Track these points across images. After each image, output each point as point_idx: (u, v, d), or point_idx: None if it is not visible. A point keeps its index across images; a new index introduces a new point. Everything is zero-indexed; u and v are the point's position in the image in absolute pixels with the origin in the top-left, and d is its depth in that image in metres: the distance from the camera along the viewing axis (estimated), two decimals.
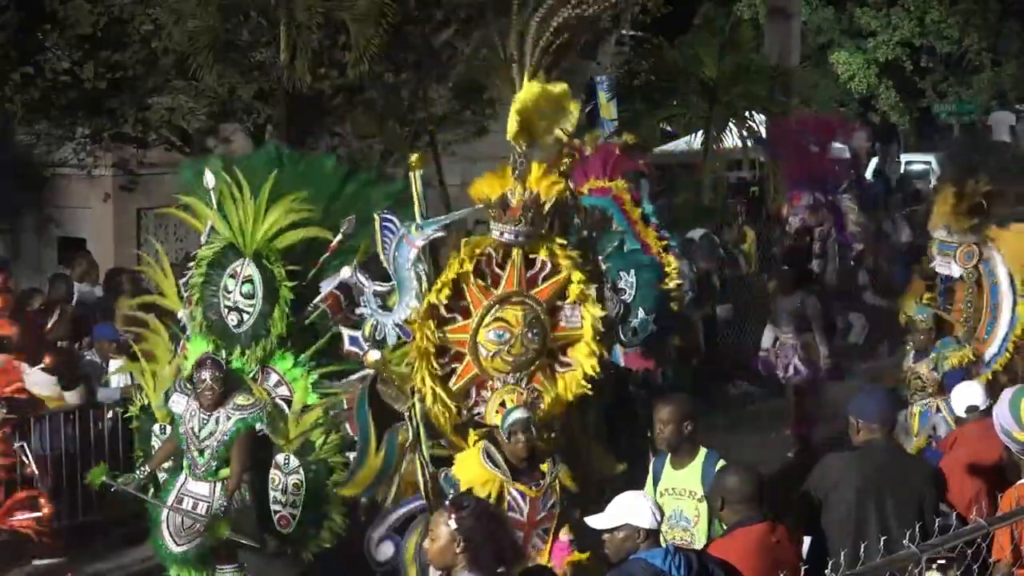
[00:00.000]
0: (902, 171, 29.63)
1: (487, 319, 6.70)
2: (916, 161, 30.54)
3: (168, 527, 7.93)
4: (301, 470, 7.82)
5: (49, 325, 10.41)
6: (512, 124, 6.51)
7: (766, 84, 20.36)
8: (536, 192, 6.60)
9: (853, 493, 6.29)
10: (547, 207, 6.66)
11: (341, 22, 13.60)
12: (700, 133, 20.41)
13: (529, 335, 6.70)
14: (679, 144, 23.69)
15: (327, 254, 7.94)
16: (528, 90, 6.53)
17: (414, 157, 6.97)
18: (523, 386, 6.69)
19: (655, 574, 5.18)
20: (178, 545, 7.92)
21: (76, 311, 11.52)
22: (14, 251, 17.28)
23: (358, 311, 7.21)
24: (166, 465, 8.20)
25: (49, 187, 17.11)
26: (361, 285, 7.18)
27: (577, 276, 6.74)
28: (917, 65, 32.86)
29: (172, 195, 8.88)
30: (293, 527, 7.88)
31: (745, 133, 19.98)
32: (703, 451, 6.59)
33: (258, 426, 7.82)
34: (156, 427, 8.30)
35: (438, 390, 6.71)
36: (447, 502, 5.14)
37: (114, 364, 10.59)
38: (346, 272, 7.65)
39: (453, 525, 4.80)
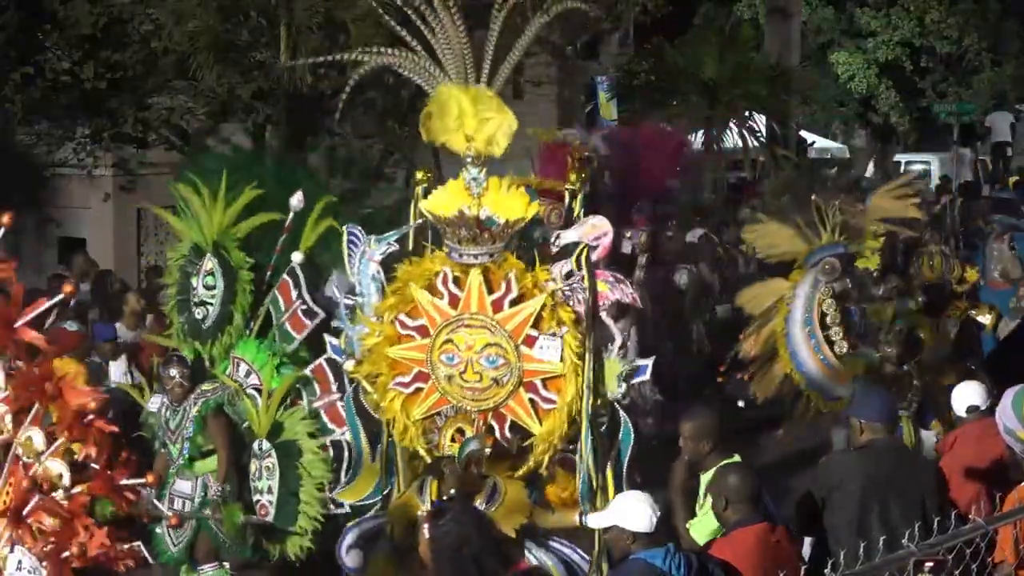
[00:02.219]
0: (901, 171, 29.65)
1: (439, 340, 6.42)
2: (916, 161, 30.55)
3: (167, 529, 8.11)
4: (273, 451, 7.90)
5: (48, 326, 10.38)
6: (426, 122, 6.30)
7: (766, 84, 20.39)
8: (496, 212, 6.28)
9: (858, 492, 6.29)
10: (511, 228, 6.32)
11: (341, 22, 13.59)
12: (700, 133, 20.43)
13: (482, 361, 6.35)
14: None
15: (284, 235, 8.16)
16: (449, 90, 6.27)
17: (419, 174, 6.82)
18: (474, 415, 6.37)
19: (655, 574, 5.18)
20: (174, 545, 8.11)
21: (76, 312, 11.49)
22: (14, 251, 17.28)
23: (334, 323, 7.22)
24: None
25: (49, 187, 17.10)
26: (336, 298, 7.16)
27: (550, 303, 6.27)
28: (917, 65, 32.86)
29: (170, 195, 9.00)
30: (272, 513, 7.89)
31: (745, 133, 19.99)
32: (721, 464, 6.42)
33: (226, 410, 7.99)
34: (156, 444, 8.41)
35: (397, 407, 6.53)
36: (428, 510, 5.19)
37: (114, 366, 10.59)
38: (297, 257, 8.02)
39: (426, 534, 4.90)
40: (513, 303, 6.33)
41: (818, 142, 30.12)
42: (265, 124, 15.11)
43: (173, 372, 8.01)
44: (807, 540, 6.59)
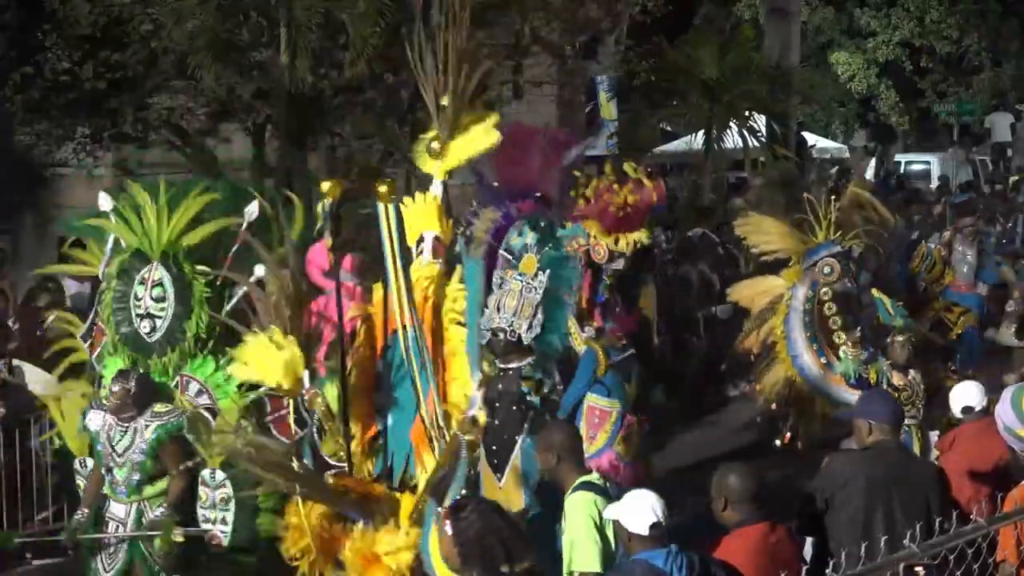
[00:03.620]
0: (901, 171, 29.70)
1: None
2: (916, 161, 30.60)
3: (100, 554, 7.64)
4: (228, 482, 7.38)
5: (48, 324, 10.40)
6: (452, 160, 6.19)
7: (766, 84, 20.39)
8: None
9: (861, 493, 6.28)
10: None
11: (341, 22, 13.61)
12: (700, 133, 20.44)
13: None
14: (679, 144, 23.72)
15: (236, 245, 7.66)
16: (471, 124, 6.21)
17: (325, 186, 6.40)
18: None
19: (656, 574, 5.18)
20: (107, 571, 7.60)
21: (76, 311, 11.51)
22: (14, 251, 17.29)
23: None
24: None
25: (49, 187, 17.11)
26: None
27: None
28: (917, 65, 32.90)
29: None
30: (226, 544, 7.44)
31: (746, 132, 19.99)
32: (577, 481, 6.23)
33: (188, 436, 7.43)
34: (76, 463, 7.90)
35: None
36: (447, 507, 5.14)
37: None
38: (260, 270, 7.36)
39: (449, 531, 4.87)
40: None
41: (818, 142, 30.17)
42: (265, 124, 15.13)
43: (115, 387, 7.36)
44: (808, 540, 6.57)
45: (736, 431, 12.43)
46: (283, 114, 14.26)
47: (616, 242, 9.35)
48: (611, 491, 6.10)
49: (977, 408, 7.63)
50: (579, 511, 6.00)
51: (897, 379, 9.03)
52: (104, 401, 7.55)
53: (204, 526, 7.44)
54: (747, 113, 20.29)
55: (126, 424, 7.43)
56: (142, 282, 7.63)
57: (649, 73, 20.13)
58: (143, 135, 15.01)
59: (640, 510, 5.34)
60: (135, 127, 14.73)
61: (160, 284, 7.59)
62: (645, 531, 5.29)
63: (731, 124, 20.16)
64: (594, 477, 6.25)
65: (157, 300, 7.57)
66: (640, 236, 9.36)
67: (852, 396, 8.97)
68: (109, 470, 7.54)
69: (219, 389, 7.57)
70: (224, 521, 7.42)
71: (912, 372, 9.12)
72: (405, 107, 15.48)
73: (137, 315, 7.62)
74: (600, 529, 5.94)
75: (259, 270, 7.38)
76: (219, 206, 7.75)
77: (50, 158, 16.25)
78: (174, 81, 14.31)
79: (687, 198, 19.81)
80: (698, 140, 20.72)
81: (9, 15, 14.04)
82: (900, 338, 9.18)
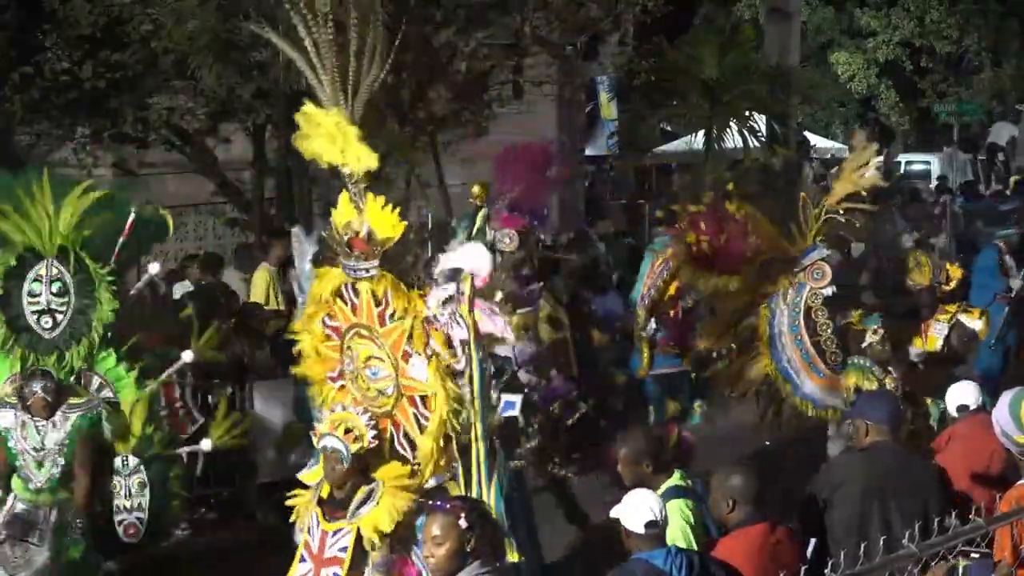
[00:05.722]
0: (902, 171, 29.75)
1: (344, 344, 6.49)
2: (916, 161, 30.64)
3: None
4: (142, 468, 7.62)
5: None
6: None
7: (766, 84, 20.39)
8: (371, 227, 6.22)
9: (858, 494, 6.30)
10: (379, 245, 6.24)
11: (340, 22, 13.57)
12: (701, 133, 20.43)
13: (366, 372, 6.39)
14: (679, 144, 23.72)
15: (122, 238, 7.88)
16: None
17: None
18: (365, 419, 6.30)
19: (655, 574, 5.20)
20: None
21: None
22: None
23: None
24: None
25: None
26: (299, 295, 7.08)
27: (419, 325, 6.20)
28: (917, 65, 32.92)
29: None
30: (142, 533, 7.63)
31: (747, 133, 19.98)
32: (664, 486, 6.36)
33: (106, 427, 7.55)
34: None
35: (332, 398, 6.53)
36: (451, 503, 5.01)
37: None
38: (154, 268, 7.88)
39: (464, 524, 4.79)
40: (392, 317, 6.34)
41: (818, 142, 30.19)
42: (265, 124, 15.13)
43: (36, 387, 7.40)
44: (812, 540, 6.58)
45: (734, 431, 12.43)
46: (283, 114, 14.25)
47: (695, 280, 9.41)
48: (697, 487, 6.25)
49: (972, 406, 7.65)
50: (673, 518, 5.96)
51: (889, 382, 8.97)
52: (10, 399, 7.58)
53: (119, 516, 7.57)
54: (747, 113, 20.29)
55: (43, 421, 7.48)
56: (37, 279, 7.75)
57: (649, 73, 20.12)
58: (143, 135, 14.99)
59: (637, 508, 5.37)
60: (135, 127, 14.71)
61: (59, 279, 7.73)
62: (641, 529, 5.32)
63: (731, 124, 20.15)
64: (677, 478, 6.30)
65: (59, 295, 7.72)
66: (723, 283, 9.36)
67: (835, 400, 8.96)
68: (27, 467, 7.51)
69: (119, 382, 7.75)
70: (140, 508, 7.58)
71: (889, 378, 9.03)
72: (405, 107, 15.49)
73: (34, 312, 7.74)
74: (694, 529, 6.05)
75: (153, 268, 8.13)
76: (101, 202, 7.90)
77: (50, 158, 16.22)
78: (174, 81, 14.29)
79: (687, 198, 19.78)
80: (698, 140, 20.71)
81: (9, 15, 14.02)
82: (876, 339, 9.10)
